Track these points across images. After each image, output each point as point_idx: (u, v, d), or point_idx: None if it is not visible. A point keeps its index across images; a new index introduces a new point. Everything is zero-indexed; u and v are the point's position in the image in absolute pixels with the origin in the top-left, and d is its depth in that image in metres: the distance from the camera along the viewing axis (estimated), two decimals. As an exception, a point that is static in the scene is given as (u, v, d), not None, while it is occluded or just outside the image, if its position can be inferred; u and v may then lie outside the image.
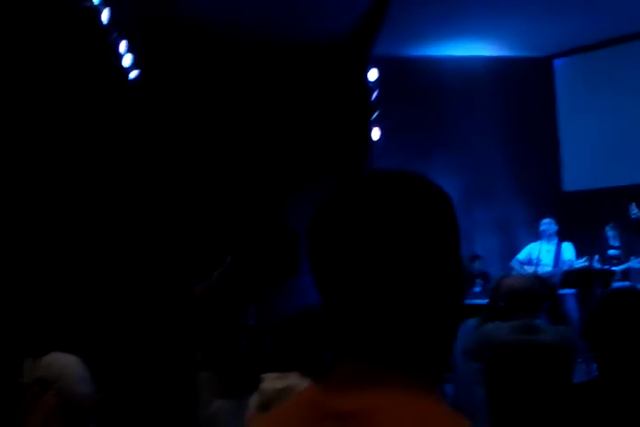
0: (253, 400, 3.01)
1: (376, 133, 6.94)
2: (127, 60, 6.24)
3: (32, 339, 3.68)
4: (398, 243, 0.83)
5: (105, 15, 6.00)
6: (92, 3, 5.98)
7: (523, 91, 8.05)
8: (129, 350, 4.83)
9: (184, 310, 4.88)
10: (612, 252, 7.27)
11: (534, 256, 7.22)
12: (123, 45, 6.18)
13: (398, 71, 7.19)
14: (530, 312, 3.60)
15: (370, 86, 6.81)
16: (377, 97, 6.84)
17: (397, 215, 0.84)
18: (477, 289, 6.91)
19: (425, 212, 0.85)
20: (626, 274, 7.00)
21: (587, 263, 6.92)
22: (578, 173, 8.30)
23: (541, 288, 3.80)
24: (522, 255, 7.39)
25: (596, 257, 7.08)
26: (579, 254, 7.20)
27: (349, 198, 0.87)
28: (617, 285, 6.32)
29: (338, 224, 0.86)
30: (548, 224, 7.19)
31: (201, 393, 4.46)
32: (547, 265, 7.18)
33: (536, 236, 7.42)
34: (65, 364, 3.46)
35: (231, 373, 4.31)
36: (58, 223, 5.48)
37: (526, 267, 7.14)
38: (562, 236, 7.30)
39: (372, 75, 6.81)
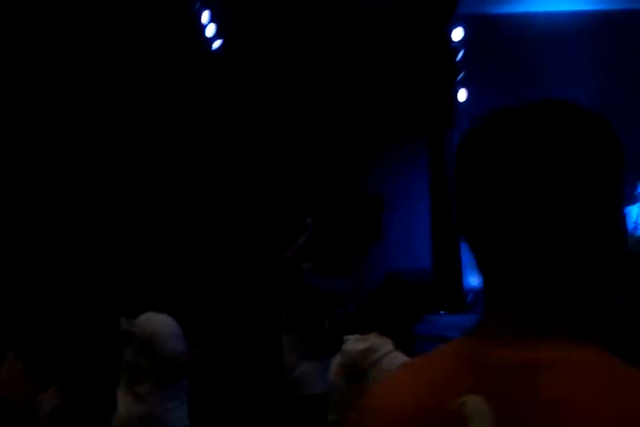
0: (336, 361, 3.08)
1: (462, 95, 6.74)
2: (210, 31, 6.28)
3: (127, 299, 3.82)
4: (567, 176, 0.75)
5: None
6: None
7: (617, 47, 7.59)
8: (218, 312, 4.95)
9: (271, 273, 4.95)
10: None
11: (632, 220, 6.93)
12: (205, 15, 6.21)
13: (484, 29, 6.92)
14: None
15: (455, 46, 6.59)
16: (462, 57, 6.62)
17: (567, 146, 0.76)
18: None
19: (597, 143, 0.78)
20: None
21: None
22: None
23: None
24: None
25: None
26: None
27: (511, 129, 0.78)
28: None
29: (500, 159, 0.78)
30: (644, 187, 6.85)
31: (285, 356, 4.54)
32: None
33: (633, 199, 7.10)
34: (158, 323, 3.60)
35: (315, 336, 4.36)
36: (152, 188, 5.65)
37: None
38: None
39: (457, 34, 6.59)
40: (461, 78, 6.69)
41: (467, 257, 6.97)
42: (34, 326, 1.83)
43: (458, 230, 0.84)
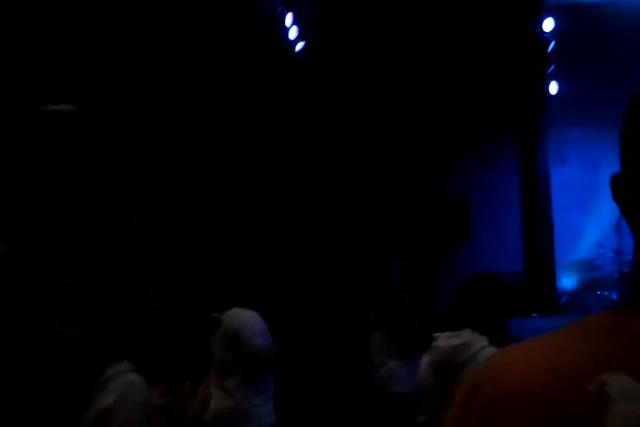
0: (426, 359, 2.96)
1: (553, 87, 6.47)
2: (293, 33, 6.30)
3: (215, 295, 3.84)
4: None
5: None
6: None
7: None
8: (304, 309, 4.92)
9: (359, 271, 4.90)
10: None
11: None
12: (289, 18, 6.23)
13: (575, 19, 6.63)
14: None
15: (545, 37, 6.34)
16: (553, 48, 6.35)
17: None
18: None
19: None
20: None
21: None
22: None
23: None
24: None
25: None
26: None
27: None
28: None
29: None
30: None
31: (373, 353, 4.49)
32: None
33: None
34: (244, 318, 3.60)
35: (404, 334, 4.30)
36: (239, 185, 5.72)
37: None
38: None
39: (548, 25, 6.33)
40: (552, 70, 6.42)
41: (560, 258, 6.69)
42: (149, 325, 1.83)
43: (621, 201, 0.76)
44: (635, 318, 0.70)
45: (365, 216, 6.26)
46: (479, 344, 2.71)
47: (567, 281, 6.61)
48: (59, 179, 5.12)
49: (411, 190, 6.70)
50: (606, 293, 6.07)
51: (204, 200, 5.77)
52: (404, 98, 6.53)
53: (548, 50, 6.35)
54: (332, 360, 4.75)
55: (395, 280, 4.51)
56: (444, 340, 2.85)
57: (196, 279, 4.49)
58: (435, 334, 2.95)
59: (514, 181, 6.82)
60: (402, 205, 6.60)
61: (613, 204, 0.79)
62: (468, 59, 6.44)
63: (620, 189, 0.77)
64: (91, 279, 1.86)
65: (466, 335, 2.78)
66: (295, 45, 6.42)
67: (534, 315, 6.22)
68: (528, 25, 6.36)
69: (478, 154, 6.79)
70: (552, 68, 6.42)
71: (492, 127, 6.66)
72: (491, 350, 2.67)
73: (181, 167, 5.94)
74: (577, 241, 6.59)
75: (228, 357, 3.62)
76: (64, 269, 1.99)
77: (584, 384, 0.67)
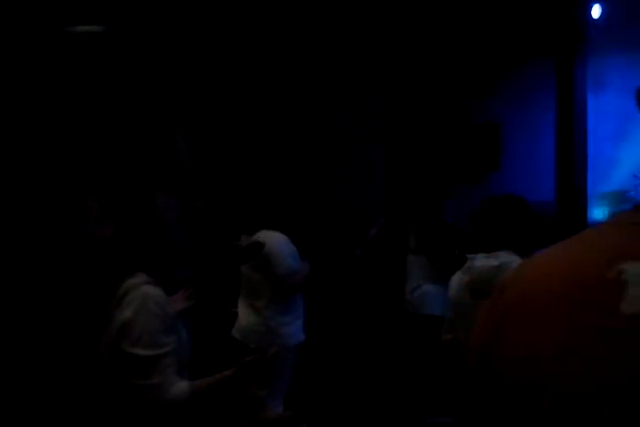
0: (458, 279, 2.95)
1: (596, 11, 6.18)
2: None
3: (246, 218, 3.85)
4: None
5: None
6: None
7: None
8: (333, 232, 4.93)
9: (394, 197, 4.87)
10: None
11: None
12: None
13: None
14: None
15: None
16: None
17: None
18: None
19: None
20: None
21: None
22: None
23: None
24: None
25: None
26: None
27: None
28: None
29: None
30: None
31: (408, 276, 4.52)
32: None
33: None
34: (274, 240, 3.61)
35: (444, 259, 4.30)
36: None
37: None
38: None
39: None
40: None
41: (593, 188, 6.58)
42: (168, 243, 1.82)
43: None
44: None
45: (397, 145, 6.17)
46: (517, 264, 2.69)
47: (598, 212, 6.52)
48: (97, 96, 5.09)
49: (442, 118, 6.55)
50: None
51: (237, 128, 5.71)
52: (437, 23, 6.29)
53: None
54: (365, 282, 4.80)
55: (439, 207, 4.50)
56: (481, 260, 2.83)
57: (225, 201, 4.50)
58: (470, 255, 2.93)
59: (550, 108, 6.63)
60: (433, 133, 6.48)
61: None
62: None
63: None
64: (132, 191, 1.85)
65: (503, 256, 2.76)
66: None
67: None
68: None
69: (514, 80, 6.59)
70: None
71: (529, 53, 6.42)
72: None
73: (215, 91, 5.86)
74: (611, 172, 6.47)
75: (257, 277, 3.65)
76: (105, 180, 1.97)
77: (603, 272, 0.69)
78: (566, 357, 0.68)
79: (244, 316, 3.73)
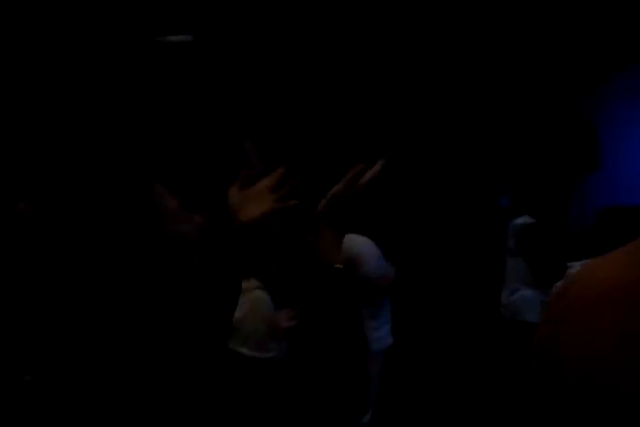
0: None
1: None
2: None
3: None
4: None
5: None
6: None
7: None
8: (426, 234, 4.83)
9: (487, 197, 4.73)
10: None
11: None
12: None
13: None
14: None
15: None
16: None
17: None
18: None
19: None
20: None
21: None
22: None
23: None
24: None
25: None
26: None
27: None
28: None
29: None
30: None
31: (506, 279, 4.36)
32: None
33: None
34: (360, 244, 3.55)
35: (542, 262, 4.12)
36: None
37: None
38: None
39: None
40: None
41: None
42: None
43: None
44: None
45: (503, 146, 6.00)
46: None
47: None
48: (179, 104, 5.21)
49: (544, 118, 6.37)
50: None
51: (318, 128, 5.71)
52: (549, 19, 6.08)
53: None
54: (459, 286, 4.67)
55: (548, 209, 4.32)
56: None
57: (307, 203, 4.49)
58: (570, 263, 2.80)
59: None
60: (531, 131, 6.33)
61: None
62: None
63: None
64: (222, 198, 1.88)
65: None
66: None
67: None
68: None
69: (616, 81, 6.31)
70: None
71: (628, 52, 6.11)
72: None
73: (298, 97, 5.89)
74: None
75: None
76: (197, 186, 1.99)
77: None
78: (622, 359, 0.68)
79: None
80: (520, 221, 4.33)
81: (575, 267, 2.69)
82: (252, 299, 1.80)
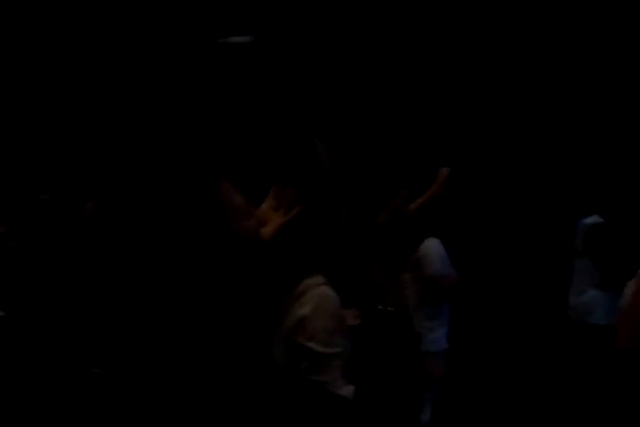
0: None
1: None
2: None
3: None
4: None
5: None
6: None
7: None
8: (495, 235, 4.76)
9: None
10: None
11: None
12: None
13: None
14: None
15: None
16: None
17: None
18: None
19: None
20: None
21: None
22: None
23: None
24: None
25: None
26: None
27: None
28: None
29: None
30: None
31: (574, 280, 4.24)
32: None
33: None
34: (426, 243, 3.52)
35: (611, 263, 3.99)
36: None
37: None
38: None
39: None
40: None
41: None
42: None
43: None
44: None
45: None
46: None
47: None
48: (243, 104, 5.28)
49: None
50: None
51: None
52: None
53: None
54: (524, 288, 4.57)
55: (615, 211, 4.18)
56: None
57: (371, 203, 4.47)
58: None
59: None
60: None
61: None
62: None
63: None
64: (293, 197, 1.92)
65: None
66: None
67: None
68: None
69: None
70: None
71: None
72: None
73: (358, 94, 5.88)
74: None
75: (405, 278, 3.57)
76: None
77: None
78: None
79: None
80: (589, 220, 4.19)
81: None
82: (319, 295, 1.81)
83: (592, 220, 4.10)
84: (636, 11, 5.31)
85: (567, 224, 4.34)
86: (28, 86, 7.14)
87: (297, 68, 5.84)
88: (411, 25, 5.74)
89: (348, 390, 1.77)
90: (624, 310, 2.96)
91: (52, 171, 6.62)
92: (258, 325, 2.03)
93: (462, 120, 5.70)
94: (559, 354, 4.22)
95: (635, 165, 5.24)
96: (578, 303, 4.09)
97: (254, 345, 2.03)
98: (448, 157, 5.08)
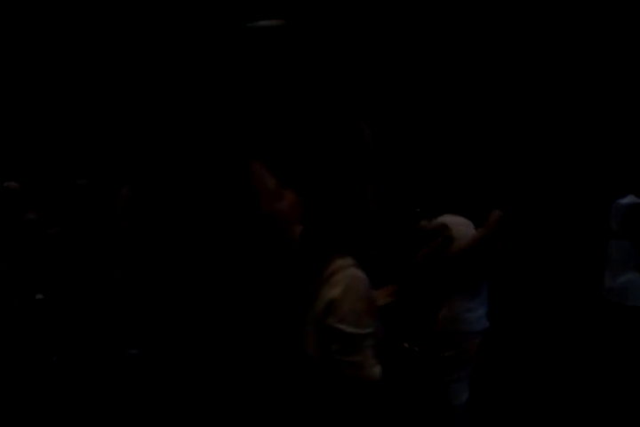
0: None
1: None
2: None
3: (427, 202, 3.76)
4: None
5: None
6: None
7: None
8: (532, 216, 4.69)
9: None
10: None
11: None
12: None
13: None
14: None
15: None
16: None
17: None
18: None
19: None
20: None
21: None
22: None
23: None
24: None
25: None
26: None
27: None
28: None
29: None
30: None
31: (610, 262, 4.17)
32: None
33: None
34: (456, 224, 3.48)
35: None
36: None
37: None
38: None
39: None
40: None
41: None
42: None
43: None
44: None
45: None
46: None
47: None
48: (273, 87, 5.27)
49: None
50: None
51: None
52: None
53: None
54: (559, 269, 4.51)
55: None
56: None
57: (407, 185, 4.45)
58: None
59: None
60: None
61: None
62: None
63: None
64: (317, 177, 1.93)
65: None
66: None
67: None
68: None
69: None
70: None
71: None
72: None
73: (394, 78, 5.83)
74: None
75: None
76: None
77: None
78: None
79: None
80: (625, 201, 4.10)
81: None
82: (349, 276, 1.81)
83: (628, 200, 4.00)
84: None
85: (601, 205, 4.26)
86: (71, 75, 7.22)
87: (327, 52, 5.80)
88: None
89: (378, 371, 1.78)
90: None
91: (87, 156, 6.71)
92: (288, 307, 2.05)
93: (498, 111, 5.64)
94: (597, 336, 4.17)
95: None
96: (615, 285, 4.02)
97: (284, 328, 2.05)
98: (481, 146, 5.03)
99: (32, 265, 4.60)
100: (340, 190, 1.87)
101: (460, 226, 3.48)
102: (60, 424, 3.71)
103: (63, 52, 7.07)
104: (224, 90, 5.70)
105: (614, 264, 4.05)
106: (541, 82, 5.58)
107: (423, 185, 4.05)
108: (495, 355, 4.13)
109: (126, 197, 5.80)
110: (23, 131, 7.26)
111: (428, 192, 3.88)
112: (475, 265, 3.46)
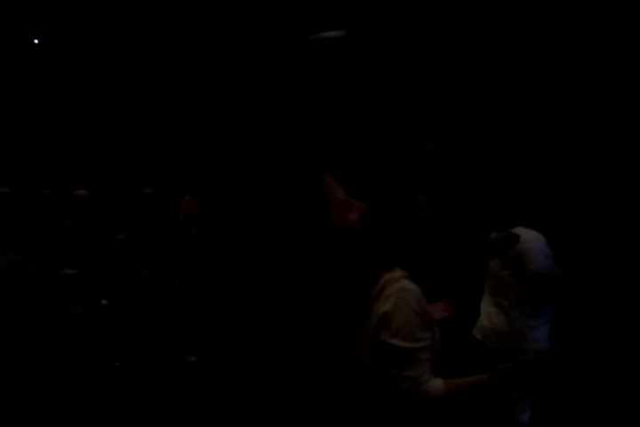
0: None
1: None
2: None
3: (499, 214, 3.67)
4: None
5: None
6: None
7: None
8: (595, 232, 4.53)
9: None
10: None
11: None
12: None
13: None
14: None
15: None
16: None
17: None
18: None
19: None
20: None
21: None
22: None
23: None
24: None
25: None
26: None
27: None
28: None
29: None
30: None
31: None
32: None
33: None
34: (530, 238, 3.38)
35: None
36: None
37: None
38: None
39: None
40: None
41: None
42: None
43: None
44: None
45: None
46: None
47: None
48: (342, 98, 5.30)
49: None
50: None
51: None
52: None
53: None
54: (621, 286, 4.32)
55: None
56: None
57: (477, 197, 4.36)
58: None
59: None
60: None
61: None
62: None
63: None
64: (368, 184, 1.91)
65: None
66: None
67: None
68: None
69: None
70: None
71: None
72: None
73: (459, 86, 5.78)
74: None
75: (506, 274, 3.44)
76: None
77: None
78: None
79: (488, 315, 3.56)
80: None
81: None
82: (399, 289, 1.78)
83: None
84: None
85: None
86: (130, 86, 7.41)
87: (389, 63, 5.78)
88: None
89: (436, 385, 1.74)
90: None
91: (153, 166, 6.85)
92: (347, 321, 2.05)
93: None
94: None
95: None
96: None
97: (343, 343, 2.05)
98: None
99: (99, 271, 4.72)
100: (389, 197, 1.86)
101: (532, 238, 3.38)
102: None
103: (120, 59, 7.26)
104: (294, 102, 5.75)
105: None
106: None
107: (465, 203, 3.97)
108: (557, 375, 3.98)
109: (189, 207, 5.90)
110: (93, 141, 7.49)
111: (472, 211, 3.80)
112: (542, 287, 3.35)
